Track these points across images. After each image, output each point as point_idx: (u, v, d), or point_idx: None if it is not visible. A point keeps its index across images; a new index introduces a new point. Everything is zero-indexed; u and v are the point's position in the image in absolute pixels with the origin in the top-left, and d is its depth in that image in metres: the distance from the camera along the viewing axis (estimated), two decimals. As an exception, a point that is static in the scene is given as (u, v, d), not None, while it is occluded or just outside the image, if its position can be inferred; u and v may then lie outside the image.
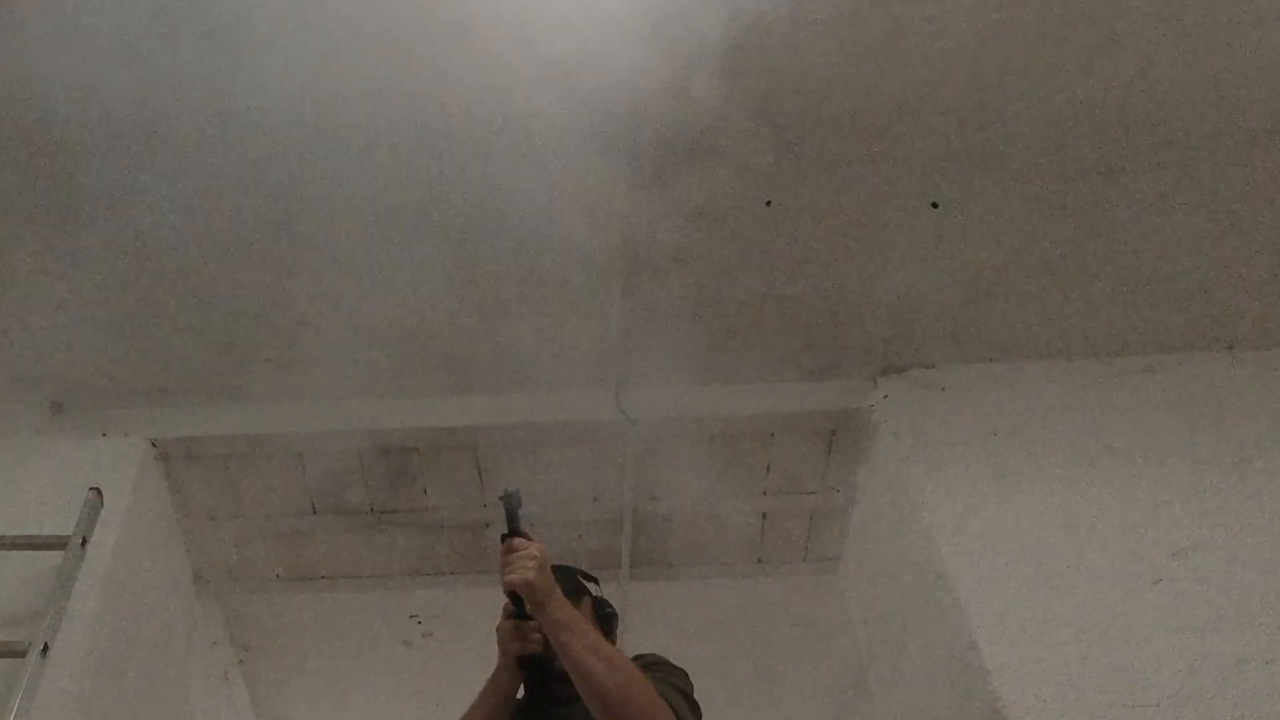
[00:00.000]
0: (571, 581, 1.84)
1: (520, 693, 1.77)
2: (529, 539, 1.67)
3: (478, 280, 2.33)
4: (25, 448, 2.44)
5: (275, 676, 3.43)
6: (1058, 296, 2.42)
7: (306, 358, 2.43)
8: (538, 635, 1.69)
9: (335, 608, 3.19)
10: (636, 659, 1.73)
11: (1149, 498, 2.21)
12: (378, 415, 2.55)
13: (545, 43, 1.91)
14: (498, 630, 1.77)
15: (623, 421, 2.51)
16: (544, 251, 2.27)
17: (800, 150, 2.13)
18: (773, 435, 2.63)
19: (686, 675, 1.78)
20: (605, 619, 1.86)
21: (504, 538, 1.69)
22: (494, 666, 1.78)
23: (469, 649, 3.14)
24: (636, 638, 3.04)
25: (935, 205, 2.24)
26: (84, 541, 2.16)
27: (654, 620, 3.16)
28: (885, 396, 2.52)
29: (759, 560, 2.96)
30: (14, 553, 2.18)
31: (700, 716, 1.73)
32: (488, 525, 2.80)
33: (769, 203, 2.22)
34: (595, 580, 1.95)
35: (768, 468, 2.70)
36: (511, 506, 1.71)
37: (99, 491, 2.25)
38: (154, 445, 2.50)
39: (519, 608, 1.71)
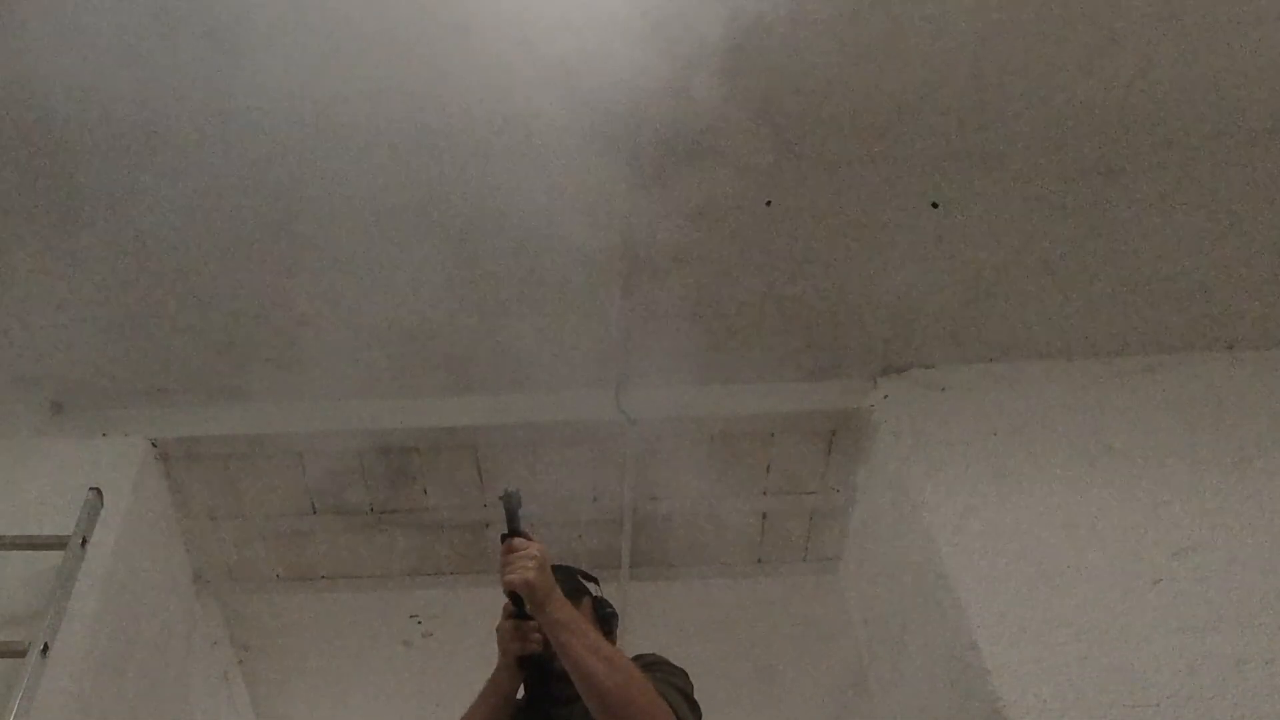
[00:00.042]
0: (571, 581, 1.84)
1: (520, 693, 1.77)
2: (529, 539, 1.67)
3: (478, 280, 2.33)
4: (25, 448, 2.44)
5: (275, 676, 3.43)
6: (1058, 296, 2.42)
7: (306, 358, 2.43)
8: (538, 635, 1.69)
9: (335, 608, 3.19)
10: (636, 659, 1.73)
11: (1149, 498, 2.21)
12: (378, 415, 2.55)
13: (545, 43, 1.91)
14: (498, 630, 1.77)
15: (623, 421, 2.51)
16: (544, 251, 2.27)
17: (800, 150, 2.13)
18: (773, 435, 2.63)
19: (686, 675, 1.78)
20: (605, 619, 1.86)
21: (504, 538, 1.69)
22: (494, 666, 1.78)
23: (469, 649, 3.14)
24: (636, 638, 3.04)
25: (935, 205, 2.24)
26: (84, 541, 2.16)
27: (654, 620, 3.16)
28: (885, 396, 2.52)
29: (759, 560, 2.96)
30: (14, 553, 2.18)
31: (700, 716, 1.73)
32: (488, 525, 2.80)
33: (769, 203, 2.22)
34: (595, 580, 1.94)
35: (768, 468, 2.70)
36: (511, 506, 1.71)
37: (99, 491, 2.25)
38: (154, 445, 2.50)
39: (519, 608, 1.71)
